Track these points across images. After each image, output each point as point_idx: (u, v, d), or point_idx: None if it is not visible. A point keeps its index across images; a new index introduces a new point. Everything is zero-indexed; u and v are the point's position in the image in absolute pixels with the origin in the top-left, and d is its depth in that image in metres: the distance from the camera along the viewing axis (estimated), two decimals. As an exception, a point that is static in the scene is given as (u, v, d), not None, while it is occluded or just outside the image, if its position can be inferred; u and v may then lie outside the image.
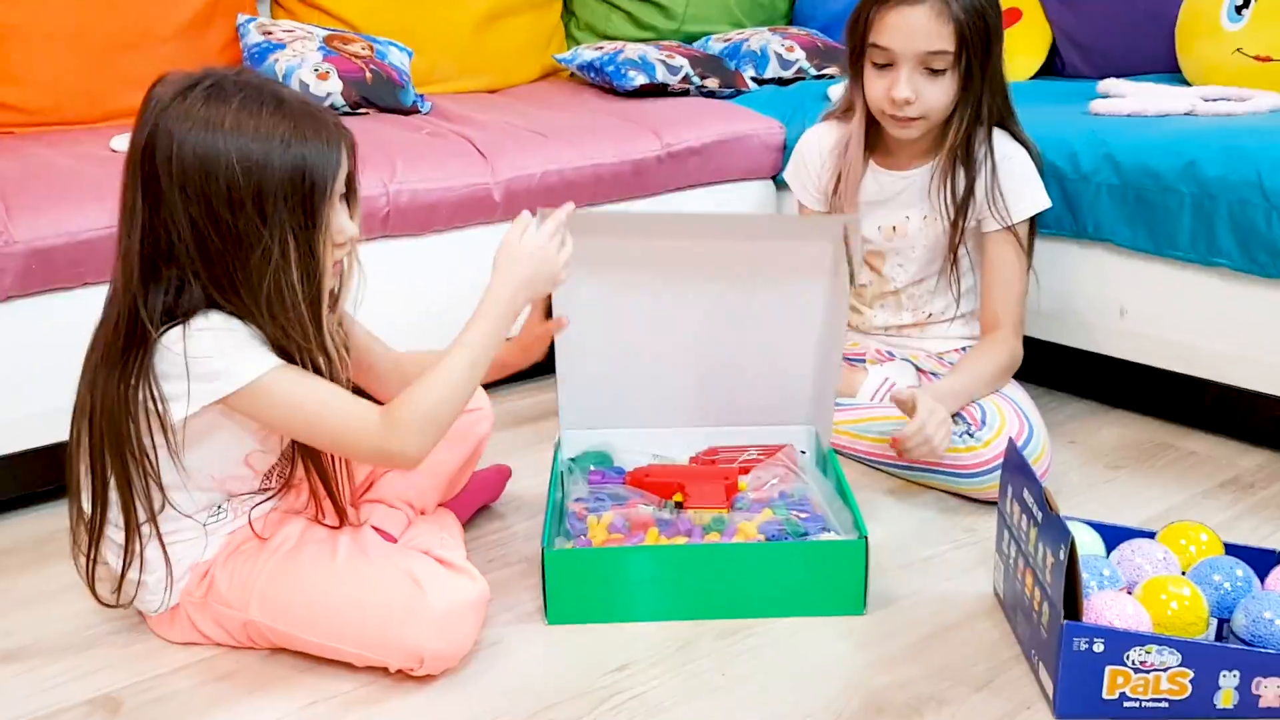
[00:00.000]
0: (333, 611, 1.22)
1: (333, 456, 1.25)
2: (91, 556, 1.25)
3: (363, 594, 1.22)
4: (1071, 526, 1.30)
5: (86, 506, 1.24)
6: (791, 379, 1.62)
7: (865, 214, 1.77)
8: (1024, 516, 1.22)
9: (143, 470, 1.19)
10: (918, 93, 1.61)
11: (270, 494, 1.31)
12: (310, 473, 1.25)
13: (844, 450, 1.74)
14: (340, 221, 1.17)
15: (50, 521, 1.61)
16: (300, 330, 1.14)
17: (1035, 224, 1.73)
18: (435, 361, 1.20)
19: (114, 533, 1.24)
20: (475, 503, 1.57)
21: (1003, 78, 1.67)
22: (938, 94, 1.62)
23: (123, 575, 1.23)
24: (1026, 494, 1.21)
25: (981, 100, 1.63)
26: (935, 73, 1.60)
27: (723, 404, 1.61)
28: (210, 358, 1.13)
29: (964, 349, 1.79)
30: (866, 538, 1.30)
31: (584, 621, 1.31)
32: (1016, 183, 1.67)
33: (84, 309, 1.58)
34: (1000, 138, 1.69)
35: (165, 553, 1.24)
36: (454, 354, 1.20)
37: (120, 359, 1.15)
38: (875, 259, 1.80)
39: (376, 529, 1.34)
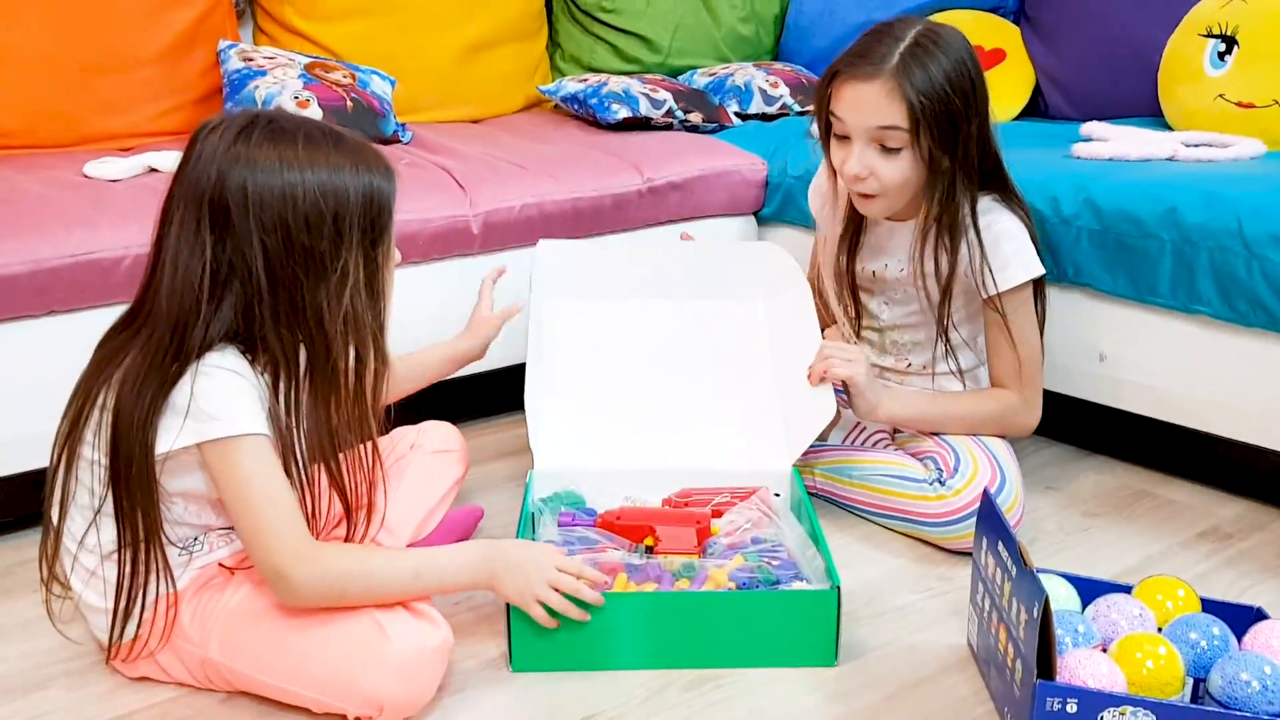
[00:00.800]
0: (292, 653, 1.19)
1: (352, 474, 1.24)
2: (59, 579, 1.24)
3: (324, 637, 1.19)
4: (1047, 580, 1.28)
5: (70, 525, 1.21)
6: (763, 414, 1.61)
7: (868, 257, 1.75)
8: (999, 570, 1.20)
9: (148, 490, 1.17)
10: (870, 169, 1.55)
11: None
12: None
13: (820, 493, 1.72)
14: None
15: (6, 555, 1.58)
16: (372, 343, 1.19)
17: (1043, 285, 1.67)
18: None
19: (85, 557, 1.21)
20: (445, 543, 1.54)
21: (988, 149, 1.59)
22: (892, 172, 1.55)
23: (118, 602, 1.19)
24: (1001, 547, 1.19)
25: (955, 178, 1.56)
26: (890, 150, 1.54)
27: (696, 443, 1.58)
28: (212, 398, 1.13)
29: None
30: (839, 588, 1.27)
31: (549, 669, 1.28)
32: (1003, 253, 1.59)
33: (49, 339, 1.57)
34: (989, 207, 1.62)
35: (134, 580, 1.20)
36: (407, 560, 1.22)
37: (159, 374, 1.14)
38: (865, 295, 1.78)
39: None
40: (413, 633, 1.19)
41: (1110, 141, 1.92)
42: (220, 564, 1.25)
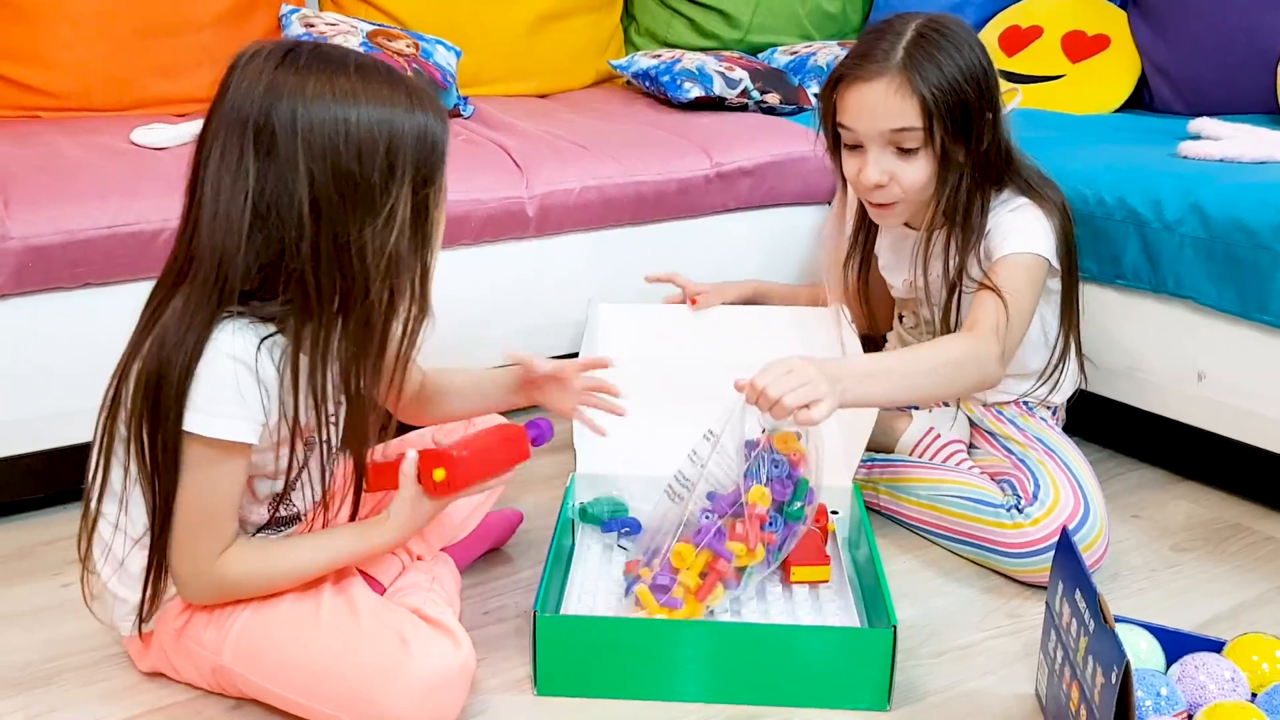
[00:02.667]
0: (310, 667, 1.12)
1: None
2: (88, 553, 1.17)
3: (344, 651, 1.11)
4: (1128, 631, 1.16)
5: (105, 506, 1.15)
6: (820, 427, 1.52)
7: (889, 271, 1.68)
8: (1074, 621, 1.08)
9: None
10: (890, 175, 1.47)
11: (272, 526, 1.22)
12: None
13: (882, 510, 1.60)
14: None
15: (32, 533, 1.54)
16: (410, 289, 1.11)
17: (1075, 271, 1.56)
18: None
19: (116, 543, 1.15)
20: (479, 549, 1.46)
21: (1002, 143, 1.49)
22: (912, 174, 1.47)
23: (149, 579, 1.13)
24: (1079, 596, 1.07)
25: (969, 172, 1.47)
26: (907, 152, 1.46)
27: None
28: (203, 388, 1.05)
29: (1024, 403, 1.64)
30: (895, 628, 1.16)
31: (576, 695, 1.19)
32: (1007, 226, 1.49)
33: (82, 311, 1.52)
34: (1009, 197, 1.52)
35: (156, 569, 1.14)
36: (314, 547, 1.16)
37: (205, 315, 1.05)
38: (913, 304, 1.69)
39: (364, 574, 1.23)
40: (435, 651, 1.11)
41: (1222, 141, 1.76)
42: None
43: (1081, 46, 2.27)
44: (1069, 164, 1.72)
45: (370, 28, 2.16)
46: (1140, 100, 2.29)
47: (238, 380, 1.05)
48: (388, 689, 1.08)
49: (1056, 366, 1.61)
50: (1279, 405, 1.54)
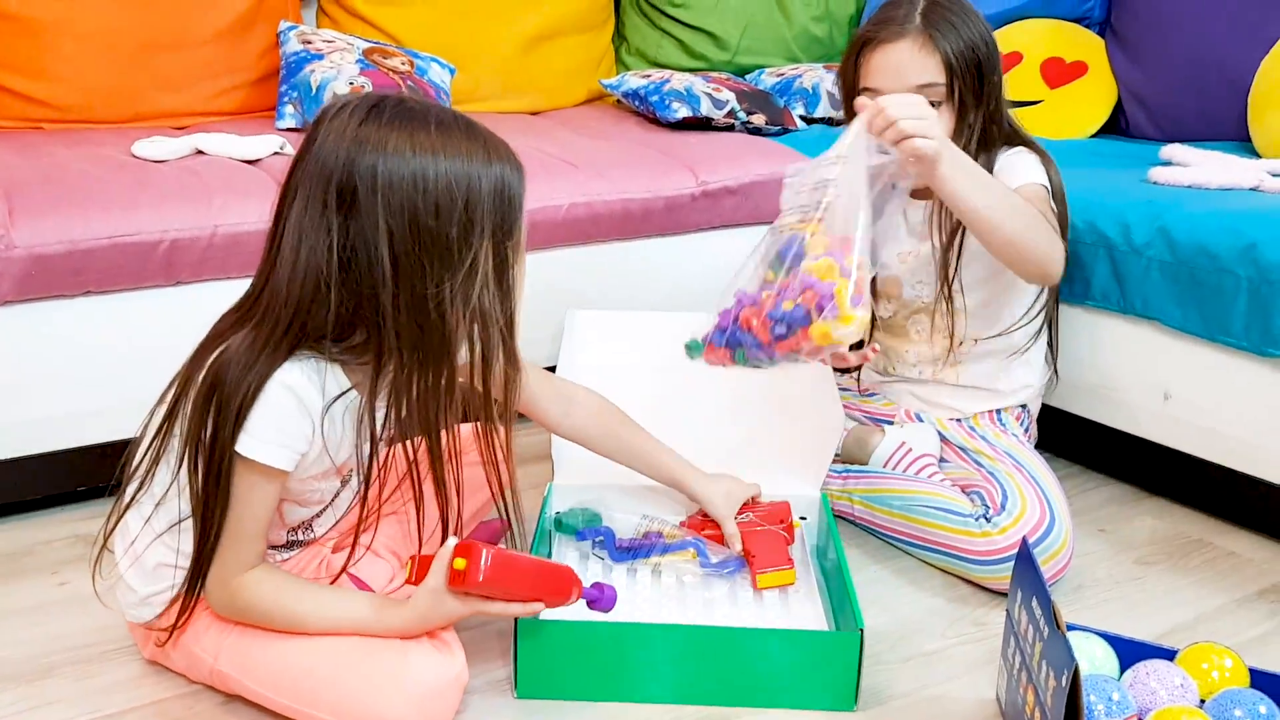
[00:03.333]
0: (307, 675, 1.15)
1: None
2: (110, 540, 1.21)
3: (341, 661, 1.15)
4: (1084, 639, 1.21)
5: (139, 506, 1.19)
6: (790, 438, 1.58)
7: (887, 243, 1.65)
8: (1030, 627, 1.13)
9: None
10: None
11: (291, 548, 1.28)
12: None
13: (857, 521, 1.65)
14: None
15: (31, 533, 1.58)
16: (500, 342, 1.14)
17: (1066, 221, 1.61)
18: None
19: (143, 539, 1.18)
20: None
21: (1003, 106, 1.59)
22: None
23: (187, 589, 1.17)
24: (1035, 604, 1.12)
25: (976, 127, 1.55)
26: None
27: (718, 466, 1.53)
28: (258, 412, 1.08)
29: (997, 415, 1.70)
30: (862, 630, 1.21)
31: (555, 698, 1.24)
32: (1013, 165, 1.57)
33: (85, 318, 1.56)
34: (1015, 152, 1.60)
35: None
36: (328, 604, 1.17)
37: (271, 354, 1.09)
38: (892, 285, 1.72)
39: (353, 577, 1.28)
40: (433, 663, 1.15)
41: (1190, 167, 1.82)
42: None
43: (1060, 73, 2.32)
44: (1042, 188, 1.78)
45: (366, 45, 2.21)
46: (1116, 126, 2.35)
47: (286, 410, 1.09)
48: (387, 696, 1.12)
49: (1042, 310, 1.65)
50: (1241, 424, 1.60)
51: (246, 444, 1.09)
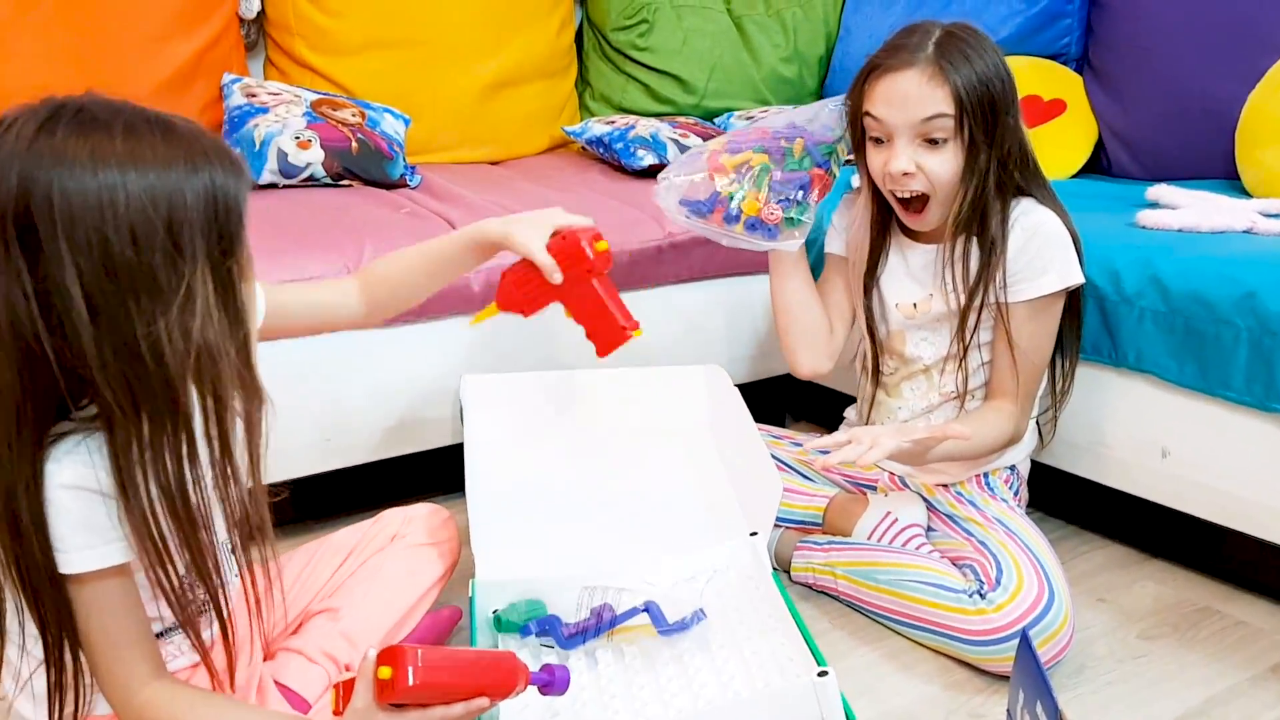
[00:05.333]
0: None
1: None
2: None
3: None
4: (1093, 740, 1.10)
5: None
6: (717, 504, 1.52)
7: (886, 291, 1.63)
8: (1035, 733, 1.02)
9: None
10: (918, 165, 1.46)
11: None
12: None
13: (841, 596, 1.55)
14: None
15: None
16: (238, 381, 0.97)
17: (1079, 299, 1.57)
18: None
19: (15, 658, 1.05)
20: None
21: (1023, 146, 1.51)
22: (941, 165, 1.46)
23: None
24: (1040, 709, 1.01)
25: (989, 171, 1.47)
26: (935, 143, 1.45)
27: (649, 530, 1.43)
28: (55, 525, 0.94)
29: (985, 479, 1.60)
30: (826, 672, 1.09)
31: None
32: (1045, 257, 1.49)
33: None
34: (1031, 208, 1.51)
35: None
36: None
37: (14, 448, 0.92)
38: (897, 341, 1.63)
39: (282, 687, 1.16)
40: None
41: (1180, 210, 1.73)
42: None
43: (1038, 111, 2.24)
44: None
45: (315, 97, 2.11)
46: (1098, 165, 2.26)
47: (79, 508, 0.94)
48: None
49: (1066, 376, 1.61)
50: (1245, 483, 1.50)
51: (67, 561, 0.95)
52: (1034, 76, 2.27)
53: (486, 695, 1.02)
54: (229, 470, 0.98)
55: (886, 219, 1.61)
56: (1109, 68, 2.24)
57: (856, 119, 1.52)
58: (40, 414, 0.92)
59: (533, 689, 1.09)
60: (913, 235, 1.60)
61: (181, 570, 0.99)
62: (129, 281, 0.89)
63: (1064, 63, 2.33)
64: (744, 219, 1.58)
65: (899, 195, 1.51)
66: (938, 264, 1.54)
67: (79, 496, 0.94)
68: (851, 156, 1.59)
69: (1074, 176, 2.23)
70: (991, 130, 1.45)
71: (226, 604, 1.03)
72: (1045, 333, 1.53)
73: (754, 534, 1.41)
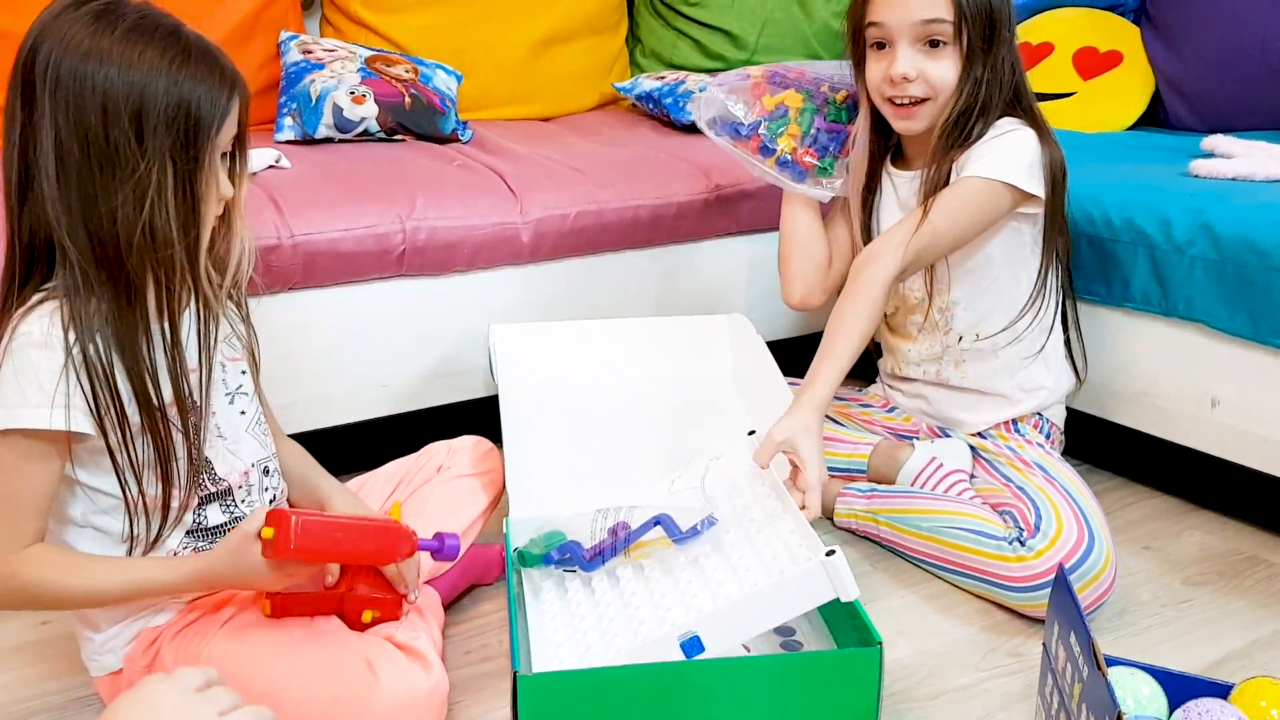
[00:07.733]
0: (277, 699, 1.07)
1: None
2: None
3: (310, 681, 1.09)
4: (1128, 675, 1.11)
5: None
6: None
7: (879, 222, 1.65)
8: (1069, 665, 1.03)
9: None
10: (917, 69, 1.49)
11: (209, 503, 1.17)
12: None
13: (883, 542, 1.56)
14: (220, 178, 1.08)
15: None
16: (179, 272, 1.06)
17: (1058, 227, 1.55)
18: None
19: None
20: (463, 583, 1.43)
21: (1016, 67, 1.52)
22: (939, 70, 1.49)
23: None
24: (1074, 639, 1.02)
25: (983, 83, 1.49)
26: (935, 46, 1.48)
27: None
28: (6, 379, 1.01)
29: (1014, 425, 1.59)
30: (880, 644, 1.11)
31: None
32: (989, 145, 1.49)
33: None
34: (1008, 124, 1.51)
35: None
36: (115, 569, 1.08)
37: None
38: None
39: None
40: (404, 676, 1.09)
41: (1235, 158, 1.71)
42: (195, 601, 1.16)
43: (1093, 63, 2.21)
44: (1076, 184, 1.66)
45: (369, 53, 2.14)
46: (1155, 117, 2.23)
47: (32, 363, 1.01)
48: (354, 716, 1.06)
49: (1035, 299, 1.56)
50: (1295, 432, 1.49)
51: (4, 417, 1.01)
52: (1090, 27, 2.24)
53: (371, 560, 1.12)
54: (177, 361, 1.08)
55: (882, 147, 1.63)
56: (1167, 18, 2.20)
57: (858, 35, 1.55)
58: (17, 273, 1.04)
59: (424, 554, 1.18)
60: (902, 163, 1.62)
61: (133, 437, 1.06)
62: (94, 152, 1.00)
63: (1121, 14, 2.29)
64: (778, 154, 1.60)
65: (897, 102, 1.52)
66: (921, 187, 1.54)
67: (38, 352, 1.01)
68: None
69: (1130, 129, 2.20)
70: (989, 42, 1.48)
71: (178, 470, 1.10)
72: (962, 211, 1.47)
73: (751, 432, 1.43)
